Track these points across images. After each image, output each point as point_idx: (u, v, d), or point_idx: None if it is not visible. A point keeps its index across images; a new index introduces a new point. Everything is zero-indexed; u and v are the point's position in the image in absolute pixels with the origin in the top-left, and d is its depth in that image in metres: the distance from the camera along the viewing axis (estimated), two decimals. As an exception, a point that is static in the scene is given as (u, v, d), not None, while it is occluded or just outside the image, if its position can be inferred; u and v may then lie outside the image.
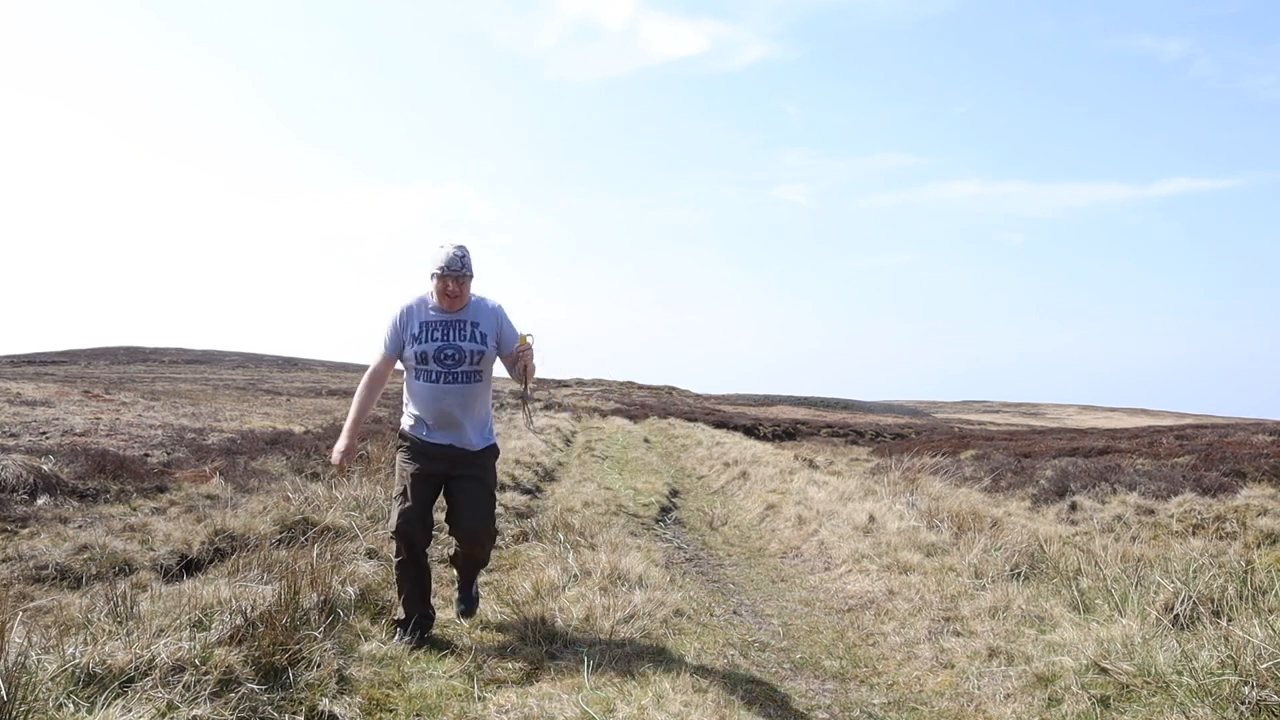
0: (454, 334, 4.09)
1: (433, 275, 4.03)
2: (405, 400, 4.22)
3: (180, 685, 2.80)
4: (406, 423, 4.19)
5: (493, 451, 4.27)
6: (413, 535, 4.05)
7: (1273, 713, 2.85)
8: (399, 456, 4.17)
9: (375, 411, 24.54)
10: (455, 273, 3.99)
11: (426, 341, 4.06)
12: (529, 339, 4.15)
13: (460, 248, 4.03)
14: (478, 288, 4.27)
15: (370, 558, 5.02)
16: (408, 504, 4.06)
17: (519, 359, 4.13)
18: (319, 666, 3.26)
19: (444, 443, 4.09)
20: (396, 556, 4.13)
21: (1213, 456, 14.25)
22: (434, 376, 4.06)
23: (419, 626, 4.09)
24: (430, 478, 4.12)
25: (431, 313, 4.10)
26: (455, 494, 4.14)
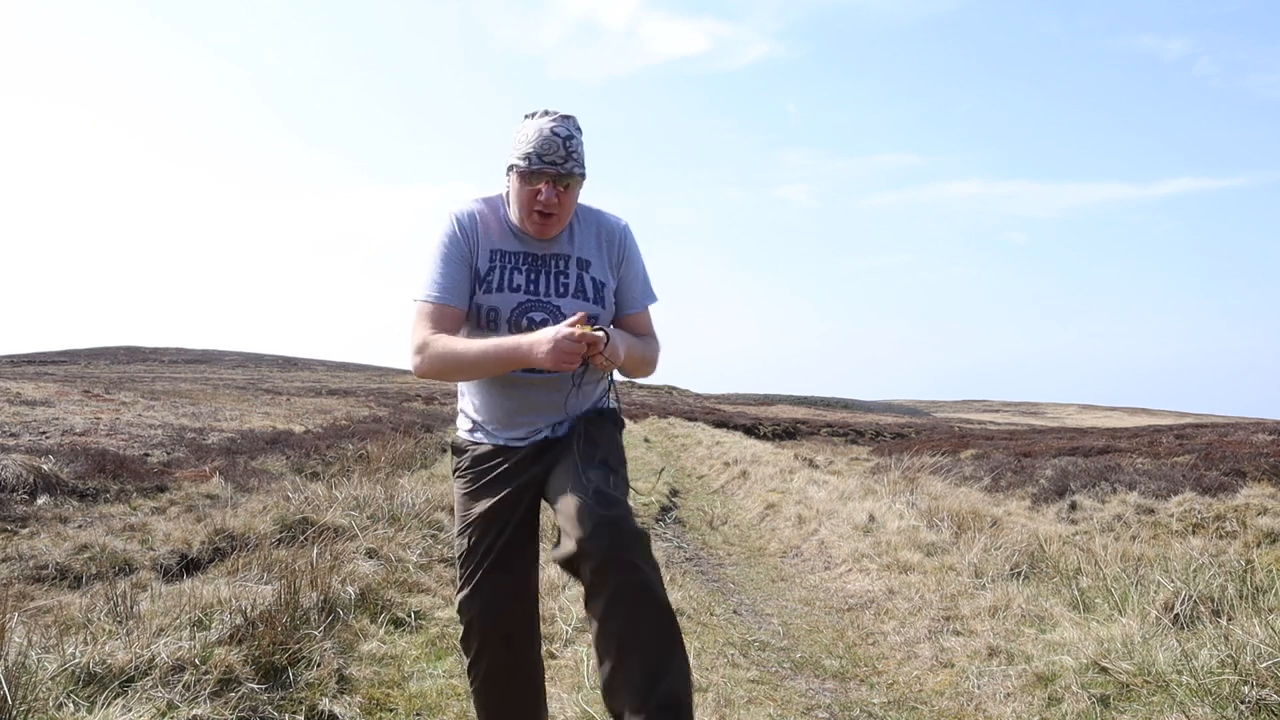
0: (547, 280, 2.38)
1: (511, 168, 2.32)
2: (461, 391, 2.58)
3: (180, 685, 2.80)
4: (463, 426, 2.55)
5: (610, 417, 2.51)
6: (497, 625, 2.40)
7: (1272, 712, 2.85)
8: (456, 488, 2.53)
9: (374, 411, 24.17)
10: (554, 166, 2.25)
11: (500, 289, 2.35)
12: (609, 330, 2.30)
13: (565, 121, 2.29)
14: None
15: (370, 557, 5.02)
16: (482, 570, 2.39)
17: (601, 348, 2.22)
18: (319, 666, 3.26)
19: (525, 436, 2.42)
20: (470, 668, 2.47)
21: (1213, 456, 14.25)
22: None
23: None
24: (516, 507, 2.42)
25: (510, 237, 2.39)
26: (559, 489, 2.26)
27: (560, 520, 2.18)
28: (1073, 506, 10.59)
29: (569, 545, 2.11)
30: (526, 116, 2.33)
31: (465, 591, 2.41)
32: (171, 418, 16.18)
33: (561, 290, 2.39)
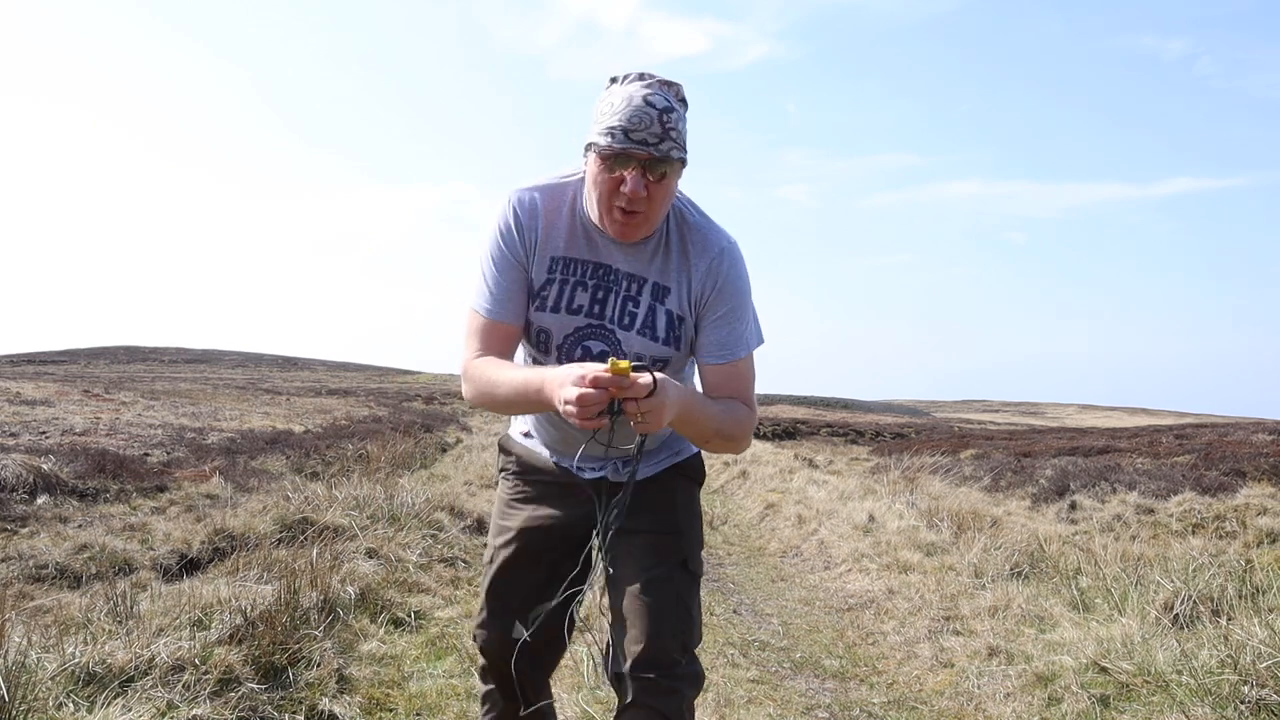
0: (615, 303, 1.91)
1: (589, 147, 1.79)
2: None
3: (180, 685, 2.80)
4: (517, 426, 2.17)
5: (690, 470, 2.11)
6: (504, 660, 2.01)
7: (1272, 712, 2.85)
8: (499, 491, 2.18)
9: (374, 411, 23.96)
10: (646, 147, 1.72)
11: (556, 309, 1.91)
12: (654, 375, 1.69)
13: (664, 89, 1.76)
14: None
15: (370, 557, 5.02)
16: (497, 600, 2.07)
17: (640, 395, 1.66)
18: (319, 666, 3.26)
19: (583, 469, 2.03)
20: (483, 681, 2.21)
21: (1212, 456, 14.25)
22: None
23: None
24: (565, 541, 2.04)
25: (579, 240, 1.91)
26: (618, 575, 1.94)
27: (615, 619, 1.92)
28: (1073, 506, 10.58)
29: (617, 666, 1.87)
30: (613, 81, 1.80)
31: (485, 631, 2.08)
32: (171, 417, 16.18)
33: (628, 321, 1.89)
